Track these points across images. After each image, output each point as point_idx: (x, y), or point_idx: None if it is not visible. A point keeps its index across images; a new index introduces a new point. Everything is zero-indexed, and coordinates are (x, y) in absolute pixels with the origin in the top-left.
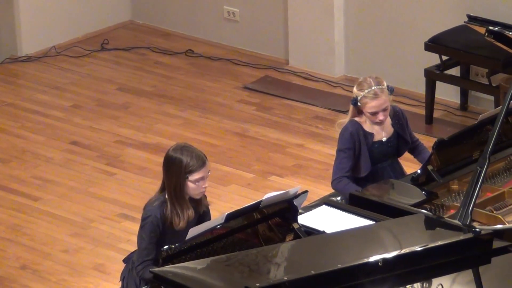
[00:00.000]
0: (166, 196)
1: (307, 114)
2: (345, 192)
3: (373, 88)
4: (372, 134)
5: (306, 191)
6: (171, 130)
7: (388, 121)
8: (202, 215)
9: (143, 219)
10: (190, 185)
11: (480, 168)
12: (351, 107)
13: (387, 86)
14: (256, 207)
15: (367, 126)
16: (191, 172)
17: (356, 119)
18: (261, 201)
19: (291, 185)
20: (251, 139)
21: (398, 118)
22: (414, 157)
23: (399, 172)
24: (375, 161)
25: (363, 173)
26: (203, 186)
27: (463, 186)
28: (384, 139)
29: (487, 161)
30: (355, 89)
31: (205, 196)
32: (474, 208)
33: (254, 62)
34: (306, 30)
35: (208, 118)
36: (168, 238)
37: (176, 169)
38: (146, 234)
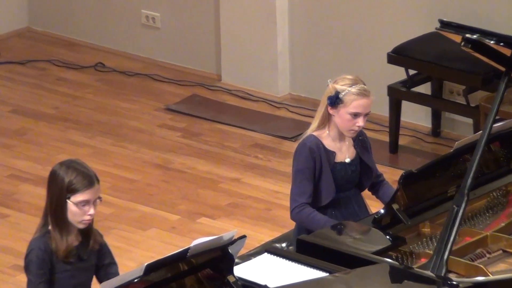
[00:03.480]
0: (50, 227)
1: (244, 141)
2: (311, 225)
3: (361, 85)
4: (333, 153)
5: (243, 236)
6: None
7: (350, 141)
8: (100, 256)
9: (25, 257)
10: (72, 208)
11: (457, 207)
12: (321, 111)
13: None
14: (182, 256)
15: (328, 143)
16: (73, 191)
17: (315, 133)
18: (188, 248)
19: (226, 229)
20: (175, 173)
21: (361, 140)
22: (376, 195)
23: (363, 208)
24: (337, 187)
25: (324, 200)
26: (89, 212)
27: (437, 229)
28: (347, 160)
29: (466, 198)
30: (336, 85)
31: (100, 235)
32: (450, 256)
33: (178, 78)
34: (242, 39)
35: (123, 147)
36: (59, 276)
37: (57, 186)
38: (32, 274)
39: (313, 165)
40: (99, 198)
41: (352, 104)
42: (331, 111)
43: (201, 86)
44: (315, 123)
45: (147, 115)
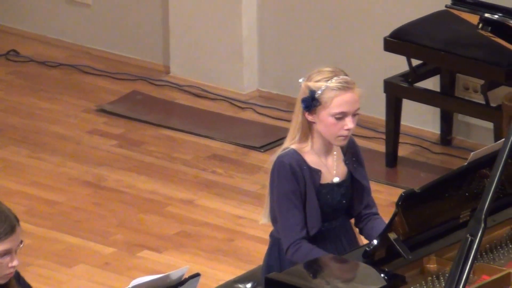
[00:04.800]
0: None
1: (200, 152)
2: None
3: (342, 76)
4: (318, 172)
5: (197, 275)
6: None
7: (340, 155)
8: None
9: None
10: None
11: (471, 237)
12: (298, 119)
13: None
14: None
15: (312, 159)
16: None
17: (295, 147)
18: None
19: (175, 265)
20: (110, 192)
21: (354, 152)
22: (361, 232)
23: (353, 241)
24: (322, 216)
25: (309, 232)
26: (10, 264)
27: (445, 265)
28: (336, 179)
29: (483, 226)
30: (309, 82)
31: (21, 279)
32: None
33: (114, 70)
34: (197, 20)
35: (42, 160)
36: None
37: None
38: None
39: (298, 187)
40: (21, 242)
41: (333, 102)
42: (309, 118)
43: (143, 80)
44: (292, 134)
45: (74, 118)
